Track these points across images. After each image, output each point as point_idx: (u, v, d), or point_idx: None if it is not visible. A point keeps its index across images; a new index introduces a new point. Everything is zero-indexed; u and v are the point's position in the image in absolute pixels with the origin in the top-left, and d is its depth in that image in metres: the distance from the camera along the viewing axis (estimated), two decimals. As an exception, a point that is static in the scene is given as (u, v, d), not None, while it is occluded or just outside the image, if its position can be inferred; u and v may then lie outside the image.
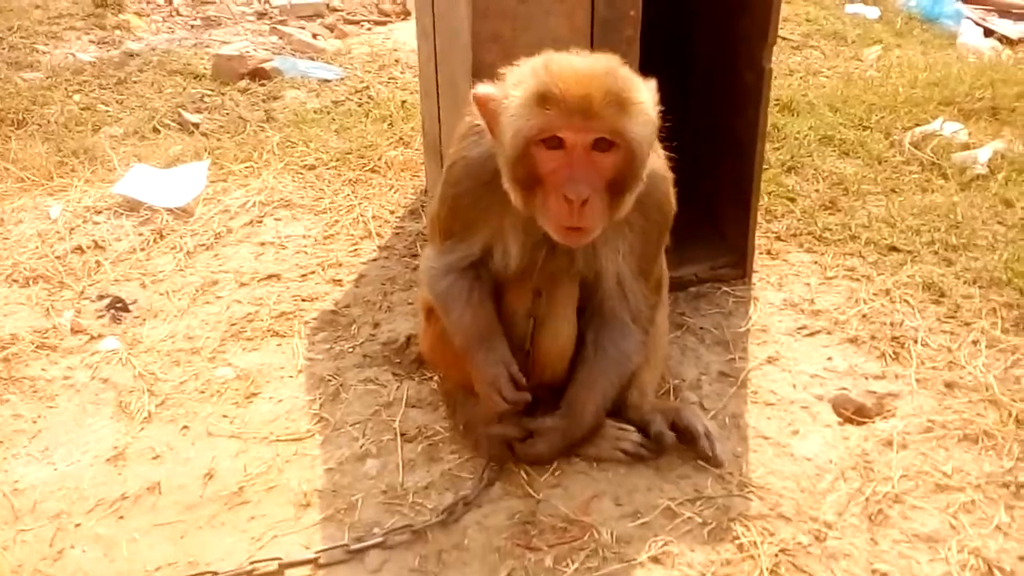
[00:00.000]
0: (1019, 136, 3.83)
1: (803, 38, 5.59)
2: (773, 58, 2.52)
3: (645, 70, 1.95)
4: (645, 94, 1.81)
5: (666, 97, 1.88)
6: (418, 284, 2.40)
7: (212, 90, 4.59)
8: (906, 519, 1.94)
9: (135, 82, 4.70)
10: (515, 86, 1.80)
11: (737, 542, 1.90)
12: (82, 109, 4.36)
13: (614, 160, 1.79)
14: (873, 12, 6.64)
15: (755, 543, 1.89)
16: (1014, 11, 7.55)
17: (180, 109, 4.33)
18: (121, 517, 2.08)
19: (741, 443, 2.15)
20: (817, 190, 3.36)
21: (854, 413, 2.24)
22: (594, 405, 2.13)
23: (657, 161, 2.00)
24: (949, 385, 2.34)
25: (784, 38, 5.47)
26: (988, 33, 7.07)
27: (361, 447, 2.22)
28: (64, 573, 1.95)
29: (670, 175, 2.06)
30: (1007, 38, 6.48)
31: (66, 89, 4.56)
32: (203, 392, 2.44)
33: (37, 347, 2.68)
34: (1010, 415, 2.22)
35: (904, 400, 2.28)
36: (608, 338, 2.14)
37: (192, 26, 5.74)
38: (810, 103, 4.13)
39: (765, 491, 2.02)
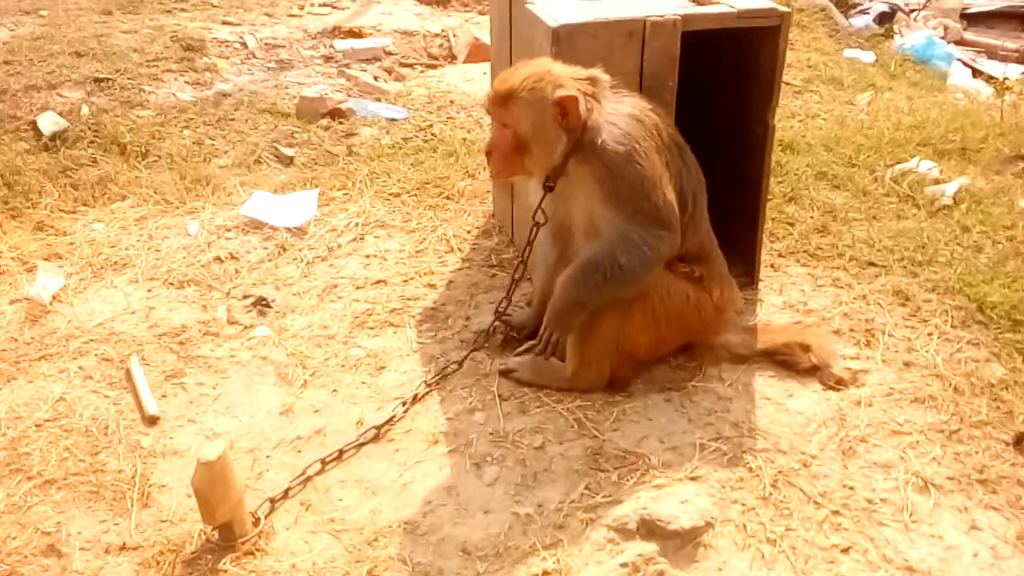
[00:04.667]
0: (981, 173, 4.60)
1: (804, 83, 6.38)
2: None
3: (680, 123, 2.86)
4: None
5: (695, 146, 2.77)
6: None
7: (299, 127, 5.37)
8: (869, 453, 2.70)
9: (232, 120, 5.47)
10: None
11: (747, 466, 2.66)
12: (193, 143, 5.14)
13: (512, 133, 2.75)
14: (869, 56, 7.42)
15: (760, 468, 2.65)
16: (1000, 52, 8.40)
17: (275, 144, 5.14)
18: (299, 451, 2.85)
19: (750, 402, 2.91)
20: (812, 216, 4.12)
21: (835, 383, 2.99)
22: (559, 301, 2.82)
23: (613, 135, 2.69)
24: (907, 364, 3.09)
25: (787, 83, 6.25)
26: (976, 73, 7.81)
27: (470, 404, 2.99)
28: (264, 486, 2.72)
29: (621, 149, 2.67)
30: (993, 78, 7.22)
31: (176, 125, 5.34)
32: (343, 366, 3.22)
33: (204, 334, 3.46)
34: (950, 384, 2.98)
35: (872, 375, 3.04)
36: (582, 254, 2.82)
37: (268, 68, 6.54)
38: (808, 143, 4.90)
39: (767, 434, 2.78)
